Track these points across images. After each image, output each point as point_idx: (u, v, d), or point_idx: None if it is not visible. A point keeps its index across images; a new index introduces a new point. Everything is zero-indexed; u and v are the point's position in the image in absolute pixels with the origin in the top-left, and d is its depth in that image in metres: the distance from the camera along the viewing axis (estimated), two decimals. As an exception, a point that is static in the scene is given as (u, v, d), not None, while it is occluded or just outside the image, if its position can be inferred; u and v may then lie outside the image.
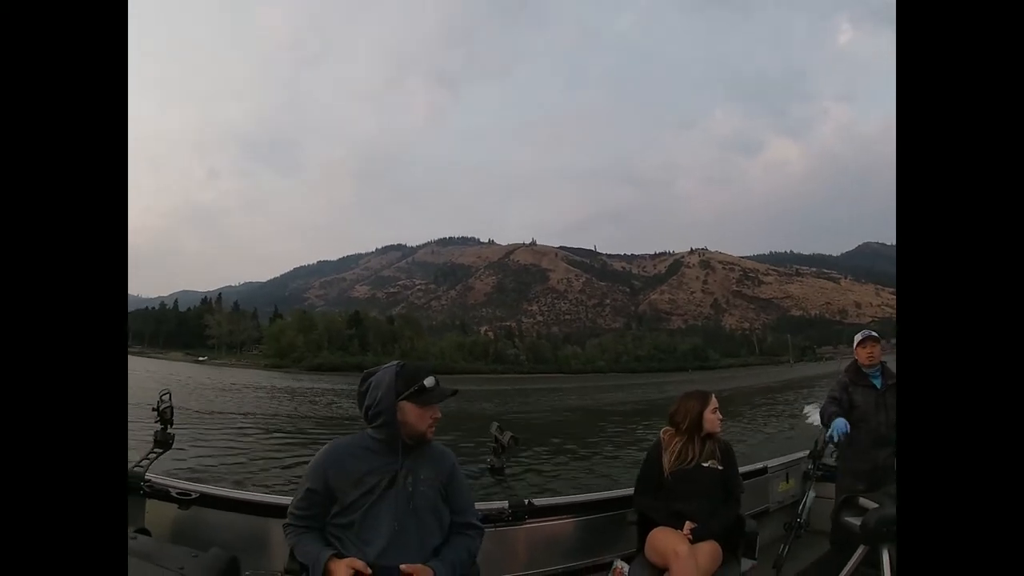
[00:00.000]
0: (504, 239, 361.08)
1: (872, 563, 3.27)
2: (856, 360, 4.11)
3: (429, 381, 2.05)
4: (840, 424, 3.75)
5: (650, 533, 2.83)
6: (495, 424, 3.03)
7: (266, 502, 2.85)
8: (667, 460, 2.98)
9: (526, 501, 3.06)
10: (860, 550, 3.33)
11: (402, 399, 2.01)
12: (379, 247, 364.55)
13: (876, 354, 4.03)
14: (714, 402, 3.05)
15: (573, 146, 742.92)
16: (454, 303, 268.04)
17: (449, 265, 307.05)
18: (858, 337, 4.14)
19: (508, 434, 2.99)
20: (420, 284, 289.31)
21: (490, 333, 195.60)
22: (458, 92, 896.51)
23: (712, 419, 3.01)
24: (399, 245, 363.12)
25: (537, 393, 50.88)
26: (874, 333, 4.15)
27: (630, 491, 3.16)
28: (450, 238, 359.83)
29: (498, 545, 2.90)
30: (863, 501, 3.39)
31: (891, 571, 3.14)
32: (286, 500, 2.38)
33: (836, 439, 3.78)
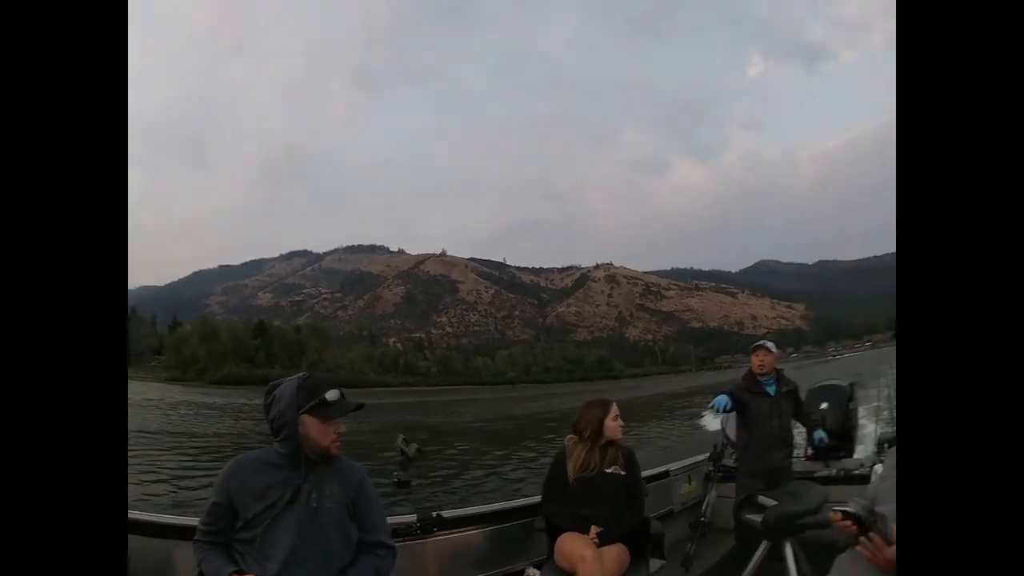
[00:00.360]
0: (414, 248, 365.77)
1: (776, 557, 3.53)
2: (751, 368, 4.34)
3: (331, 395, 2.03)
4: (721, 399, 4.04)
5: (558, 539, 2.94)
6: (400, 436, 3.02)
7: (185, 525, 2.69)
8: (571, 467, 3.11)
9: (435, 514, 3.09)
10: (764, 545, 3.59)
11: (303, 412, 1.99)
12: (284, 252, 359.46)
13: (767, 363, 4.23)
14: (615, 410, 3.18)
15: (488, 156, 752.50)
16: (361, 313, 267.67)
17: (357, 273, 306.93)
18: (753, 346, 4.40)
19: (414, 445, 2.99)
20: (326, 293, 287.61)
21: (399, 344, 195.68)
22: (378, 94, 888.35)
23: (613, 426, 3.13)
24: (305, 251, 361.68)
25: (449, 405, 52.87)
26: (767, 344, 4.34)
27: (539, 499, 3.30)
28: (359, 246, 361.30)
29: (408, 560, 2.82)
30: (762, 499, 3.72)
31: (794, 563, 3.47)
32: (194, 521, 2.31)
33: (718, 408, 4.05)
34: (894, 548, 1.89)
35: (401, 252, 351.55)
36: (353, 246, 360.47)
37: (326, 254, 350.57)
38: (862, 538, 1.99)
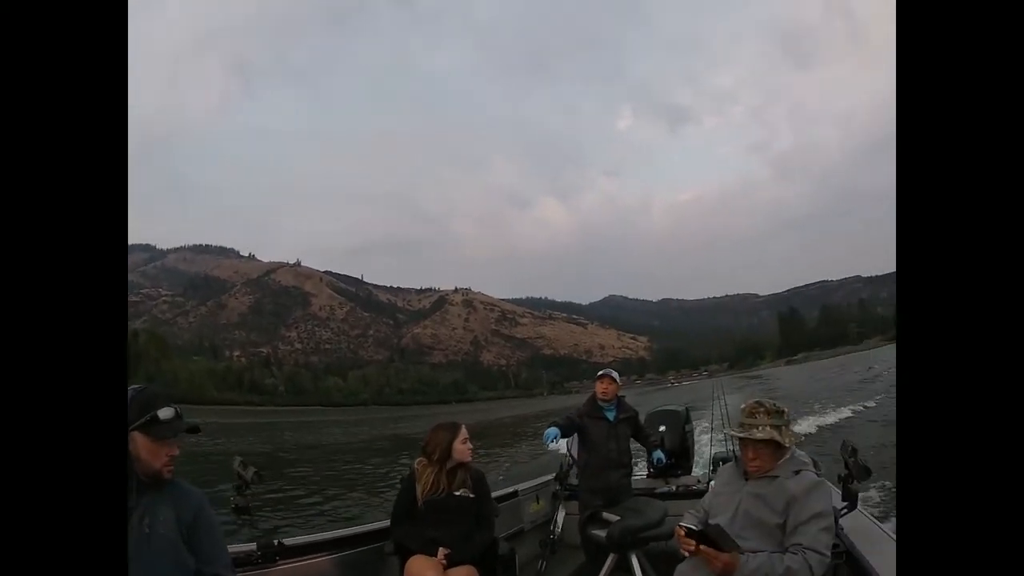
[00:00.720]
0: (266, 255, 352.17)
1: (624, 568, 3.79)
2: (594, 394, 4.70)
3: (165, 412, 1.92)
4: (550, 432, 4.32)
5: (406, 563, 3.02)
6: (238, 459, 2.92)
7: None
8: (420, 490, 3.19)
9: (276, 541, 3.01)
10: (611, 558, 3.85)
11: (133, 429, 1.87)
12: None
13: (611, 391, 4.61)
14: (463, 432, 3.27)
15: (357, 168, 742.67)
16: (203, 321, 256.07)
17: (202, 277, 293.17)
18: (599, 373, 4.77)
19: (252, 469, 2.88)
20: (167, 295, 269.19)
21: (242, 358, 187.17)
22: (254, 87, 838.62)
23: (462, 449, 3.23)
24: (147, 245, 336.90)
25: (296, 427, 54.18)
26: (612, 373, 4.73)
27: (387, 523, 3.41)
28: (207, 246, 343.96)
29: None
30: (606, 515, 3.98)
31: (641, 573, 3.75)
32: None
33: (547, 441, 4.31)
34: (726, 555, 2.20)
35: (252, 258, 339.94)
36: (201, 246, 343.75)
37: (170, 251, 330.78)
38: (698, 548, 2.30)
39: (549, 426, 4.36)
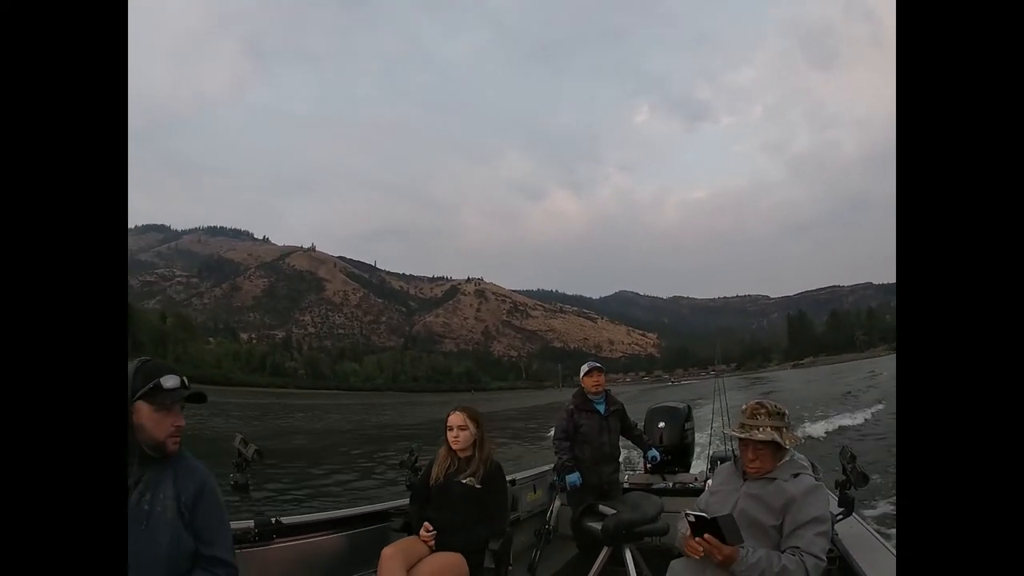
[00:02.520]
0: (280, 239, 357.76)
1: (618, 562, 3.72)
2: (583, 388, 4.68)
3: (169, 380, 1.86)
4: (574, 478, 4.39)
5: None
6: (239, 436, 2.88)
7: None
8: (433, 473, 3.26)
9: (273, 519, 2.95)
10: (605, 551, 3.80)
11: (138, 398, 1.81)
12: (139, 225, 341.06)
13: (600, 382, 4.61)
14: (451, 419, 3.27)
15: (372, 154, 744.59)
16: (218, 303, 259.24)
17: (216, 259, 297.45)
18: (584, 368, 4.69)
19: (252, 447, 2.83)
20: (181, 276, 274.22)
21: (255, 340, 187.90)
22: (267, 70, 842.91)
23: (450, 436, 3.23)
24: (162, 226, 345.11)
25: (322, 409, 55.07)
26: (598, 364, 4.70)
27: (385, 504, 3.52)
28: (221, 228, 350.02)
29: (245, 568, 2.44)
30: (602, 508, 3.94)
31: (634, 567, 3.66)
32: None
33: (569, 487, 4.39)
34: (728, 548, 2.22)
35: (266, 241, 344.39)
36: (215, 227, 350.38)
37: (185, 233, 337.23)
38: (699, 538, 2.28)
39: (565, 472, 4.41)
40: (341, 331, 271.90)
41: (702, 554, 2.32)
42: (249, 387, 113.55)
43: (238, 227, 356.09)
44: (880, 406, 22.23)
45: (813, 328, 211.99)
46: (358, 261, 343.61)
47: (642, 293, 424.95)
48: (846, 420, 19.16)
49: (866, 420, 19.38)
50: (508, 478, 4.23)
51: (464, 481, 3.15)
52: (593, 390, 4.63)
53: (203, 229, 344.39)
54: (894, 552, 2.66)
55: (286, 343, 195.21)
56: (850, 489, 2.95)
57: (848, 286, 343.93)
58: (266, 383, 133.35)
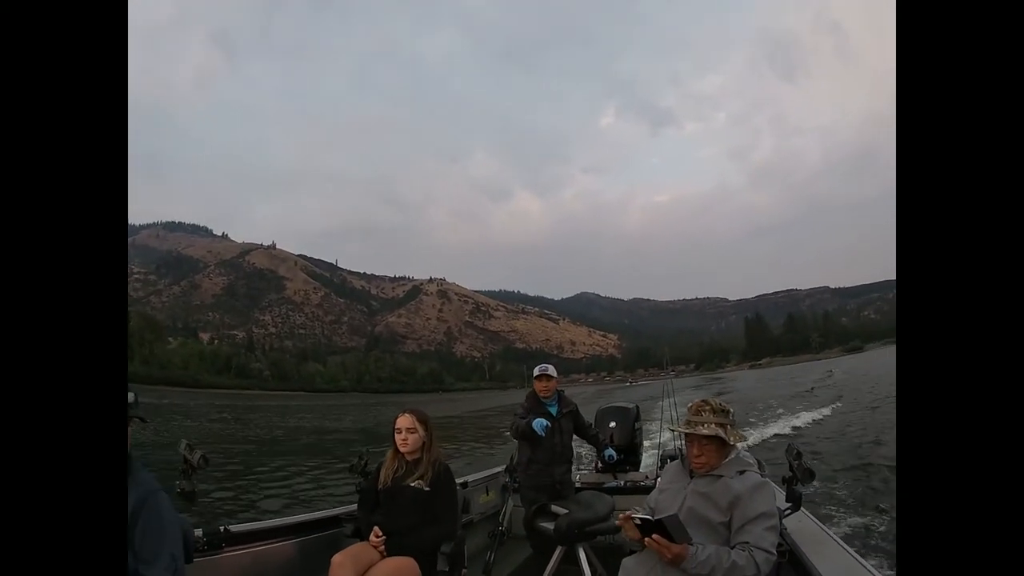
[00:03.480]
0: (240, 236, 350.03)
1: (571, 561, 3.81)
2: (534, 390, 4.70)
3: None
4: (540, 422, 4.38)
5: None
6: (183, 442, 2.80)
7: None
8: (382, 476, 3.24)
9: (222, 528, 2.92)
10: (558, 551, 3.87)
11: None
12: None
13: (550, 387, 4.65)
14: (399, 421, 3.24)
15: (338, 151, 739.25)
16: (177, 301, 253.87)
17: (175, 255, 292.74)
18: (535, 372, 4.73)
19: (198, 453, 2.76)
20: (139, 272, 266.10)
21: (216, 340, 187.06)
22: (237, 63, 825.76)
23: (398, 439, 3.21)
24: None
25: (285, 411, 54.63)
26: (549, 370, 4.72)
27: (336, 511, 3.52)
28: (180, 223, 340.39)
29: None
30: (554, 508, 3.98)
31: (588, 566, 3.76)
32: None
33: (541, 431, 4.35)
34: (677, 546, 2.23)
35: (225, 237, 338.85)
36: (173, 223, 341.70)
37: (142, 227, 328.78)
38: (647, 539, 2.29)
39: (535, 419, 4.38)
40: (302, 331, 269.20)
41: (640, 540, 2.38)
42: (216, 388, 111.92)
43: (197, 223, 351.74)
44: (838, 404, 22.91)
45: (770, 330, 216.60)
46: (319, 260, 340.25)
47: (603, 295, 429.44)
48: (804, 418, 19.59)
49: (825, 417, 19.80)
50: (460, 480, 4.27)
51: (413, 484, 3.14)
52: (543, 394, 4.65)
53: (161, 224, 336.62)
54: (842, 545, 2.82)
55: (249, 344, 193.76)
56: (797, 485, 3.03)
57: (805, 290, 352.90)
58: (232, 384, 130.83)
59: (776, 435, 16.00)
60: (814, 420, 19.11)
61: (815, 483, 3.33)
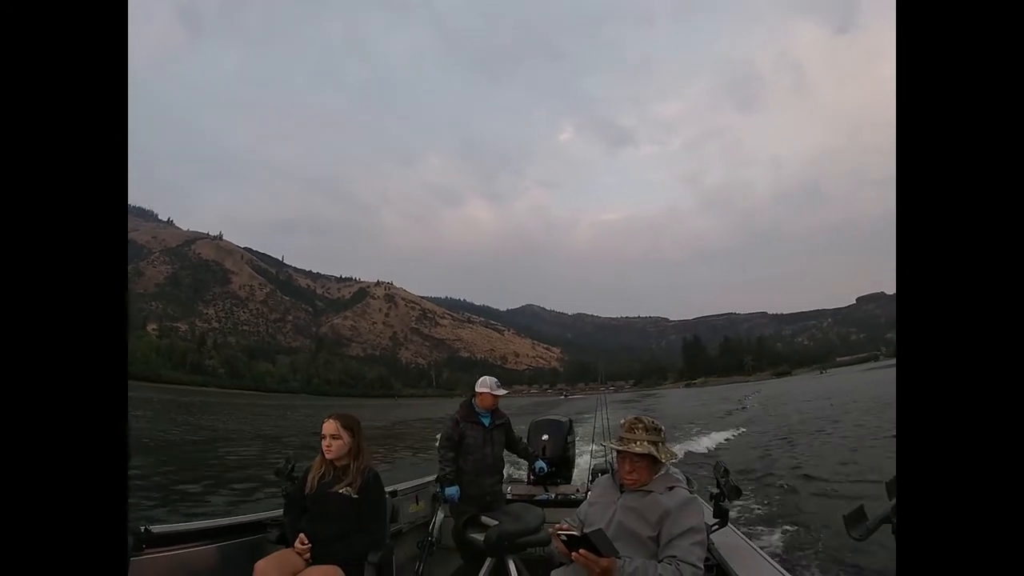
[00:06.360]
0: (186, 222, 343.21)
1: (502, 572, 3.82)
2: (472, 400, 4.69)
3: None
4: (453, 491, 4.34)
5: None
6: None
7: None
8: (309, 482, 3.18)
9: (143, 528, 2.88)
10: (488, 562, 3.85)
11: None
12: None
13: (488, 402, 4.62)
14: (324, 427, 3.19)
15: (293, 143, 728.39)
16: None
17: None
18: (478, 385, 4.69)
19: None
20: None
21: (155, 331, 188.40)
22: (200, 40, 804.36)
23: (324, 444, 3.16)
24: None
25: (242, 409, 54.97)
26: (491, 390, 4.66)
27: (263, 515, 3.47)
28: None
29: None
30: (484, 519, 4.03)
31: None
32: None
33: (447, 500, 4.34)
34: (605, 560, 2.24)
35: (171, 224, 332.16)
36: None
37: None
38: (574, 554, 2.30)
39: (445, 484, 4.35)
40: (246, 327, 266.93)
41: (567, 554, 2.39)
42: (173, 384, 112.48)
43: (142, 205, 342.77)
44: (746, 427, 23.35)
45: (706, 352, 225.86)
46: (265, 255, 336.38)
47: (548, 308, 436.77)
48: (725, 434, 20.31)
49: (735, 436, 20.41)
50: (389, 489, 4.15)
51: (340, 491, 3.09)
52: (481, 406, 4.64)
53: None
54: (767, 559, 2.92)
55: (201, 340, 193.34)
56: (724, 501, 3.06)
57: (744, 314, 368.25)
58: (188, 380, 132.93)
59: (687, 452, 16.21)
60: (726, 439, 19.65)
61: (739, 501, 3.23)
